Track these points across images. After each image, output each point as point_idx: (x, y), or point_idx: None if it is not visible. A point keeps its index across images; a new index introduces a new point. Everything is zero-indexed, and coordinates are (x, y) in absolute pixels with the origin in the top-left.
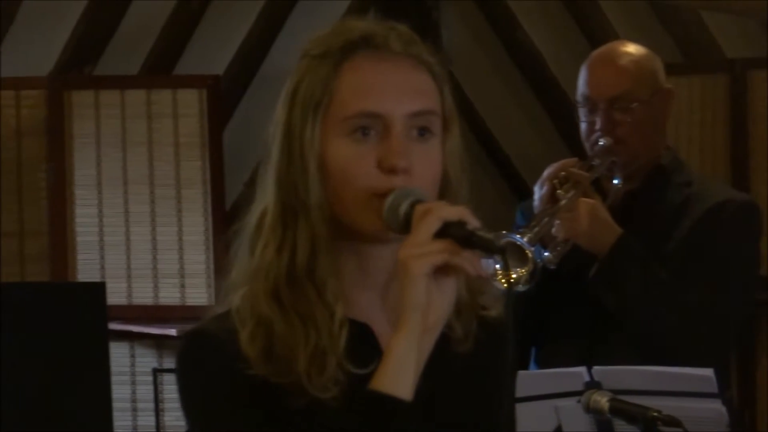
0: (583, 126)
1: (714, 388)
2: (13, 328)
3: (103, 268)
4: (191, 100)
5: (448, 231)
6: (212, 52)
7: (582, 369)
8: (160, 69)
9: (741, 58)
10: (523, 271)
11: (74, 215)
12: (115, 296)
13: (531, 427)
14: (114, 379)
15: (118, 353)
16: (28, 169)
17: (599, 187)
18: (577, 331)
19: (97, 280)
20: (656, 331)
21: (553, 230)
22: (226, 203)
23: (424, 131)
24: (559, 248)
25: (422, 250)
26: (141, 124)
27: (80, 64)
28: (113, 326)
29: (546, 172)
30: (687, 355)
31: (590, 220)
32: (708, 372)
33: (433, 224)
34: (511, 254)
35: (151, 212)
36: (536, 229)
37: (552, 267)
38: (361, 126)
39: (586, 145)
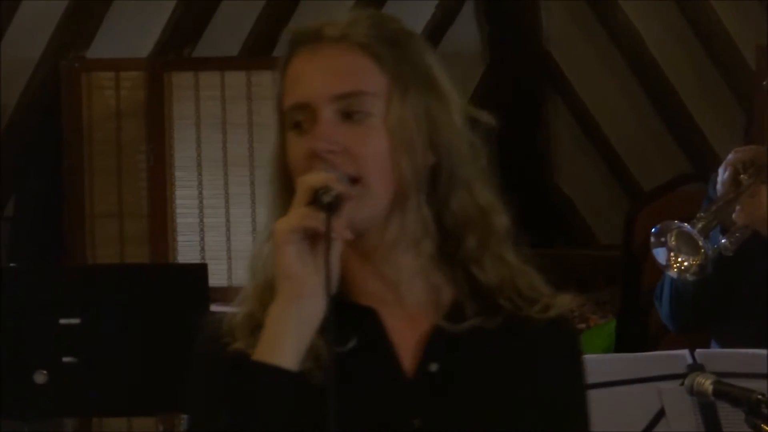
0: None
1: None
2: (114, 310)
3: (203, 249)
4: None
5: (315, 198)
6: None
7: (685, 351)
8: (260, 50)
9: None
10: (694, 261)
11: (174, 197)
12: (215, 278)
13: (633, 409)
14: None
15: None
16: (128, 151)
17: None
18: (760, 313)
19: (198, 261)
20: None
21: (734, 215)
22: None
23: (353, 113)
24: (738, 234)
25: (288, 218)
26: (241, 105)
27: (179, 46)
28: (213, 308)
29: (730, 156)
30: None
31: None
32: None
33: (302, 193)
34: (684, 243)
35: (251, 194)
36: (711, 216)
37: (728, 254)
38: (295, 119)
39: None
